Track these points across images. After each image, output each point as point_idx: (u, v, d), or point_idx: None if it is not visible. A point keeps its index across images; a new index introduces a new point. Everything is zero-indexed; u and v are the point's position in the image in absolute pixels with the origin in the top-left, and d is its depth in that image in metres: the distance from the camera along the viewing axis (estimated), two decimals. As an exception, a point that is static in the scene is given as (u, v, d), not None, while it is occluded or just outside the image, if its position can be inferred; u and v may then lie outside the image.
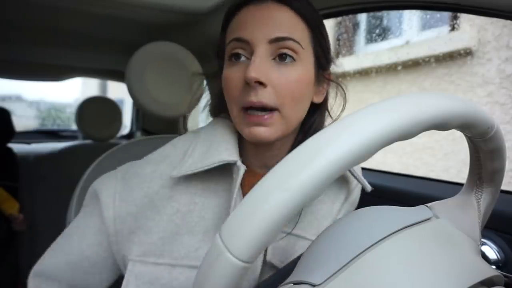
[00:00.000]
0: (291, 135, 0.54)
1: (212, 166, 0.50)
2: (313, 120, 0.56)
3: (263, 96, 0.47)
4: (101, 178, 0.56)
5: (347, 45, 2.57)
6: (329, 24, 2.60)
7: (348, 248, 0.32)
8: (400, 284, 0.28)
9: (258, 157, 0.55)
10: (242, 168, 0.50)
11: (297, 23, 0.49)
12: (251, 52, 0.48)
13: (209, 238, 0.51)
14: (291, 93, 0.48)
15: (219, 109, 0.59)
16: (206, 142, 0.54)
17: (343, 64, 0.59)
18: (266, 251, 0.52)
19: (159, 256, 0.50)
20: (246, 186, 0.55)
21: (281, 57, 0.48)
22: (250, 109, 0.48)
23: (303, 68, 0.50)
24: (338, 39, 2.62)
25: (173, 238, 0.51)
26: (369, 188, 0.59)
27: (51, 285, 0.54)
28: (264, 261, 0.52)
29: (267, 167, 0.55)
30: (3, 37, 1.31)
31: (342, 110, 0.58)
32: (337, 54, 2.61)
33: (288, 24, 0.49)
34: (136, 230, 0.51)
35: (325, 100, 0.57)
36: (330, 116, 0.59)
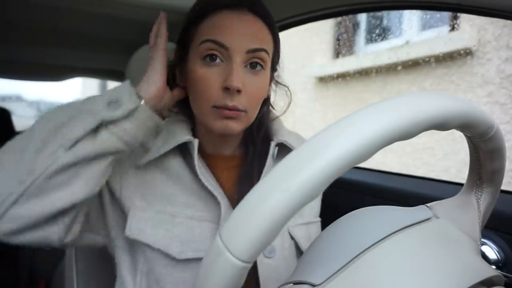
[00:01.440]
0: None
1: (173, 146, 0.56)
2: (261, 113, 0.64)
3: (238, 102, 0.53)
4: None
5: (347, 45, 2.57)
6: (329, 24, 2.61)
7: (348, 248, 0.32)
8: (400, 284, 0.28)
9: (211, 143, 0.62)
10: (196, 142, 0.56)
11: (267, 34, 0.56)
12: (227, 57, 0.53)
13: (200, 197, 0.57)
14: (258, 98, 0.57)
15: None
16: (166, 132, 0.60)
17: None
18: (297, 245, 0.59)
19: (162, 205, 0.56)
20: (202, 166, 0.60)
21: (252, 65, 0.55)
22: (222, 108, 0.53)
23: (266, 74, 0.57)
24: (338, 39, 2.62)
25: (171, 196, 0.57)
26: None
27: None
28: (298, 252, 0.60)
29: (218, 150, 0.63)
30: (3, 37, 1.31)
31: (289, 105, 0.68)
32: (337, 54, 2.61)
33: (261, 35, 0.55)
34: (141, 185, 0.57)
35: (269, 94, 0.65)
36: (273, 107, 0.68)
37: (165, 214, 0.55)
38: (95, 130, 0.46)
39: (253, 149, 0.63)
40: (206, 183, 0.55)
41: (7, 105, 1.97)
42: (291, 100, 0.68)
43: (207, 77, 0.53)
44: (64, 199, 0.45)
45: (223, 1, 0.54)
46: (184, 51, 0.58)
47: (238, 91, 0.52)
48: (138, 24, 1.23)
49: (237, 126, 0.55)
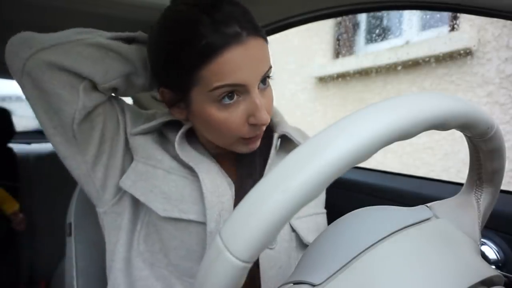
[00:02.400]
0: None
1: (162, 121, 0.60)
2: None
3: (264, 126, 0.54)
4: None
5: (347, 45, 2.57)
6: (329, 24, 2.61)
7: (348, 248, 0.32)
8: (400, 284, 0.28)
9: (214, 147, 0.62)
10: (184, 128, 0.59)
11: (267, 48, 0.54)
12: (243, 91, 0.51)
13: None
14: (272, 106, 0.57)
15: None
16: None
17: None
18: (298, 236, 0.60)
19: (157, 161, 0.58)
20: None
21: (263, 82, 0.53)
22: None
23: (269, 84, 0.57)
24: (338, 39, 2.62)
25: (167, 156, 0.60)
26: None
27: None
28: (299, 245, 0.60)
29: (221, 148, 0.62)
30: (3, 37, 1.31)
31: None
32: (337, 54, 2.61)
33: (266, 54, 0.53)
34: (144, 144, 0.60)
35: None
36: None
37: (160, 169, 0.57)
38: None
39: None
40: (184, 158, 0.57)
41: (7, 105, 1.97)
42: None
43: (230, 119, 0.51)
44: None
45: (225, 40, 0.47)
46: (182, 90, 0.53)
47: None
48: (138, 24, 1.23)
49: (259, 141, 0.57)
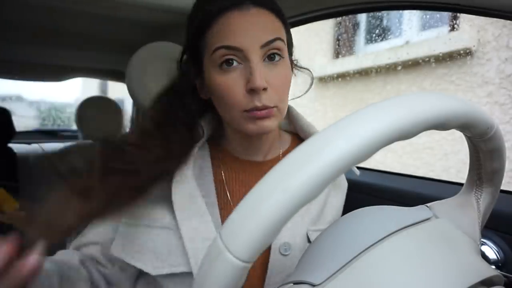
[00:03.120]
0: None
1: None
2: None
3: (266, 100, 0.51)
4: None
5: (347, 45, 2.58)
6: (329, 24, 2.61)
7: (348, 248, 0.32)
8: (400, 284, 0.28)
9: (243, 145, 0.61)
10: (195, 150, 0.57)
11: (277, 23, 0.54)
12: (243, 58, 0.51)
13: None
14: (285, 89, 0.55)
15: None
16: None
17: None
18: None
19: (138, 218, 0.56)
20: (228, 169, 0.61)
21: (270, 57, 0.53)
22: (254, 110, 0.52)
23: (287, 63, 0.55)
24: (338, 39, 2.62)
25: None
26: (357, 172, 0.67)
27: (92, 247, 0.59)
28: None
29: (251, 155, 0.62)
30: (3, 37, 1.31)
31: (307, 91, 0.67)
32: (337, 54, 2.61)
33: (271, 25, 0.53)
34: None
35: None
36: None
37: (141, 226, 0.54)
38: None
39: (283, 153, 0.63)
40: (175, 201, 0.54)
41: (7, 105, 1.97)
42: (312, 82, 0.66)
43: (229, 84, 0.52)
44: None
45: (224, 3, 0.51)
46: (197, 63, 0.57)
47: (264, 89, 0.51)
48: (138, 24, 1.23)
49: (271, 124, 0.53)
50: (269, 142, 0.62)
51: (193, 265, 0.51)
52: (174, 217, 0.54)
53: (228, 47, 0.51)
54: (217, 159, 0.61)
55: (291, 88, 0.65)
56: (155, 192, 0.53)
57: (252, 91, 0.50)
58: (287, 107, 0.57)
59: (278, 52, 0.53)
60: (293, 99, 0.67)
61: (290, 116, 0.67)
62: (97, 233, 0.58)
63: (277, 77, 0.53)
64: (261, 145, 0.61)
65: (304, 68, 0.65)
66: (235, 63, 0.51)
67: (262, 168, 0.61)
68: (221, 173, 0.60)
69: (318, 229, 0.58)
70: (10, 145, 1.79)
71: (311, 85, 0.66)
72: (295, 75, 0.64)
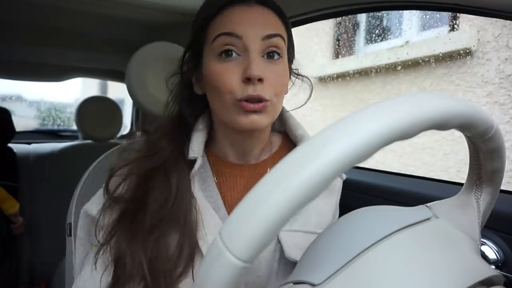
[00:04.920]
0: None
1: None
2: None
3: (261, 90, 0.51)
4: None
5: (347, 45, 2.58)
6: (329, 24, 2.60)
7: (348, 248, 0.32)
8: (400, 284, 0.28)
9: (235, 148, 0.60)
10: (199, 161, 0.56)
11: (279, 23, 0.56)
12: (242, 49, 0.52)
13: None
14: (281, 87, 0.55)
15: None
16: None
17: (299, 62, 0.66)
18: (282, 249, 0.55)
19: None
20: (222, 176, 0.60)
21: (270, 55, 0.54)
22: (246, 100, 0.52)
23: (285, 63, 0.56)
24: (338, 39, 2.62)
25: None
26: (343, 176, 0.66)
27: None
28: (280, 259, 0.56)
29: (243, 157, 0.61)
30: (3, 37, 1.31)
31: (308, 100, 0.67)
32: (337, 55, 2.61)
33: (274, 23, 0.55)
34: None
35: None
36: None
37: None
38: None
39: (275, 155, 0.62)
40: None
41: (7, 105, 1.97)
42: (312, 90, 0.66)
43: (226, 72, 0.52)
44: None
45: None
46: (197, 56, 0.58)
47: (260, 79, 0.51)
48: (138, 24, 1.23)
49: (264, 119, 0.53)
50: (261, 144, 0.61)
51: None
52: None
53: (229, 34, 0.52)
54: (214, 166, 0.61)
55: (290, 98, 0.65)
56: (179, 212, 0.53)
57: (248, 80, 0.51)
58: (281, 107, 0.58)
59: (277, 51, 0.54)
60: (294, 109, 0.67)
61: (281, 115, 0.66)
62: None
63: (274, 73, 0.53)
64: (253, 146, 0.60)
65: (304, 76, 0.66)
66: (234, 55, 0.53)
67: (254, 171, 0.61)
68: (218, 181, 0.60)
69: (290, 229, 0.56)
70: (10, 145, 1.79)
71: (310, 95, 0.66)
72: (293, 83, 0.64)
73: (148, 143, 0.58)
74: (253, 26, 0.52)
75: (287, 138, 0.66)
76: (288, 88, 0.62)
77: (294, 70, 0.64)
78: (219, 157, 0.61)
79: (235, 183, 0.60)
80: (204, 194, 0.57)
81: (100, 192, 0.58)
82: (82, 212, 0.60)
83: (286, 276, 0.55)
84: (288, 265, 0.56)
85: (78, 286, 0.54)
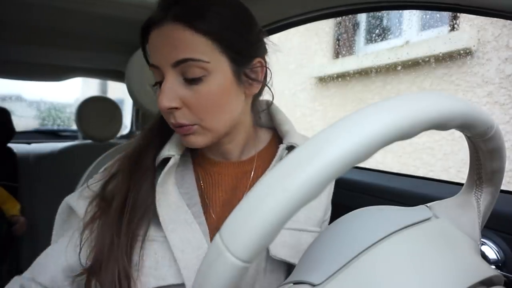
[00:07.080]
0: (239, 126, 0.58)
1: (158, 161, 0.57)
2: (255, 109, 0.62)
3: (180, 118, 0.51)
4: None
5: (347, 45, 2.58)
6: (329, 24, 2.61)
7: (347, 248, 0.32)
8: (400, 284, 0.28)
9: (213, 151, 0.61)
10: (173, 159, 0.56)
11: (194, 39, 0.49)
12: (163, 76, 0.51)
13: None
14: (206, 109, 0.51)
15: None
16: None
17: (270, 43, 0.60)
18: (268, 249, 0.54)
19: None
20: (207, 174, 0.61)
21: (187, 80, 0.50)
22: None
23: (216, 80, 0.50)
24: (338, 39, 2.62)
25: None
26: None
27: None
28: (268, 257, 0.55)
29: (224, 157, 0.61)
30: (3, 37, 1.31)
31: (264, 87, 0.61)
32: (337, 54, 2.61)
33: (185, 43, 0.48)
34: None
35: (263, 85, 0.59)
36: (271, 91, 0.62)
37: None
38: None
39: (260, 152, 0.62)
40: (160, 213, 0.55)
41: (7, 105, 1.97)
42: (271, 103, 0.65)
43: (158, 101, 0.52)
44: None
45: (150, 23, 0.51)
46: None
47: (176, 108, 0.51)
48: (138, 24, 1.23)
49: (198, 140, 0.53)
50: (239, 144, 0.60)
51: (185, 275, 0.50)
52: (159, 229, 0.53)
53: (152, 65, 0.53)
54: (197, 164, 0.61)
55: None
56: (138, 205, 0.54)
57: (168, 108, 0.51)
58: (219, 125, 0.53)
59: (193, 76, 0.49)
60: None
61: (270, 111, 0.66)
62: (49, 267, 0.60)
63: (195, 97, 0.50)
64: (229, 149, 0.60)
65: (268, 88, 0.61)
66: (160, 84, 0.53)
67: (240, 168, 0.61)
68: (200, 178, 0.60)
69: None
70: (10, 145, 1.79)
71: (269, 106, 0.65)
72: (271, 78, 0.60)
73: (134, 142, 0.60)
74: (163, 53, 0.50)
75: (276, 134, 0.66)
76: (269, 79, 0.59)
77: (253, 66, 0.55)
78: (204, 156, 0.62)
79: (220, 181, 0.60)
80: (179, 190, 0.57)
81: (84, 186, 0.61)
82: (63, 202, 0.63)
83: (274, 273, 0.56)
84: (276, 262, 0.56)
85: (47, 253, 0.64)
